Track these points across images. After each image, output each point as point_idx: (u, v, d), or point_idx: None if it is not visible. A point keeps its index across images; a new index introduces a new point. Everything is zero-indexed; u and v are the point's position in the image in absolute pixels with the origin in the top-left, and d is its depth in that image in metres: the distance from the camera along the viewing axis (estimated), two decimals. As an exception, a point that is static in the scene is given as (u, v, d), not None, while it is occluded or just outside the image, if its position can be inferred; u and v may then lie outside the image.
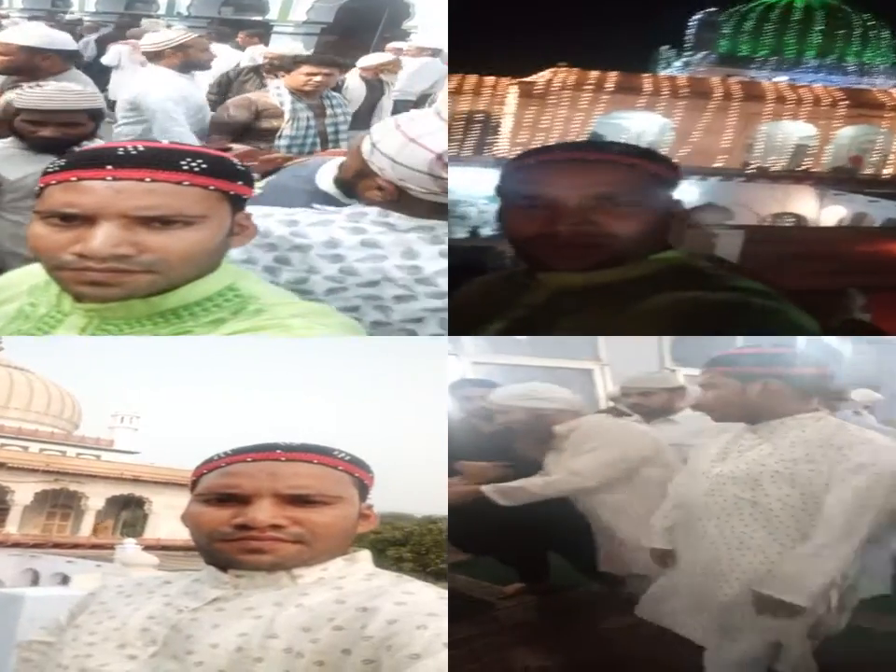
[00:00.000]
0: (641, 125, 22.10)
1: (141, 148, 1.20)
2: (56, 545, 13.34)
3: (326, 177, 2.00)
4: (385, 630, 0.90)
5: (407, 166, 1.63)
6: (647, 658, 2.31)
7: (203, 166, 1.20)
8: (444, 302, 1.65)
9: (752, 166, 22.15)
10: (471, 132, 20.99)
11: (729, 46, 29.85)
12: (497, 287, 1.55)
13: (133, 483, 14.53)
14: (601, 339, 4.56)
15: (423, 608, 0.93)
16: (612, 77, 22.32)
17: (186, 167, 1.19)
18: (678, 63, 28.52)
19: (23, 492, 13.91)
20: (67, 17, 12.01)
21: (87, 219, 1.16)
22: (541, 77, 22.03)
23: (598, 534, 2.81)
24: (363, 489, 1.12)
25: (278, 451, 1.07)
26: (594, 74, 22.13)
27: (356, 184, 1.78)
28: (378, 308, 1.63)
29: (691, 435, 2.97)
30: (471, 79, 21.77)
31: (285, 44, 8.94)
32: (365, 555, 1.09)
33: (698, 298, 1.28)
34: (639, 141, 19.48)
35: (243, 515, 1.01)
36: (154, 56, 4.45)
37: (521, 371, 4.33)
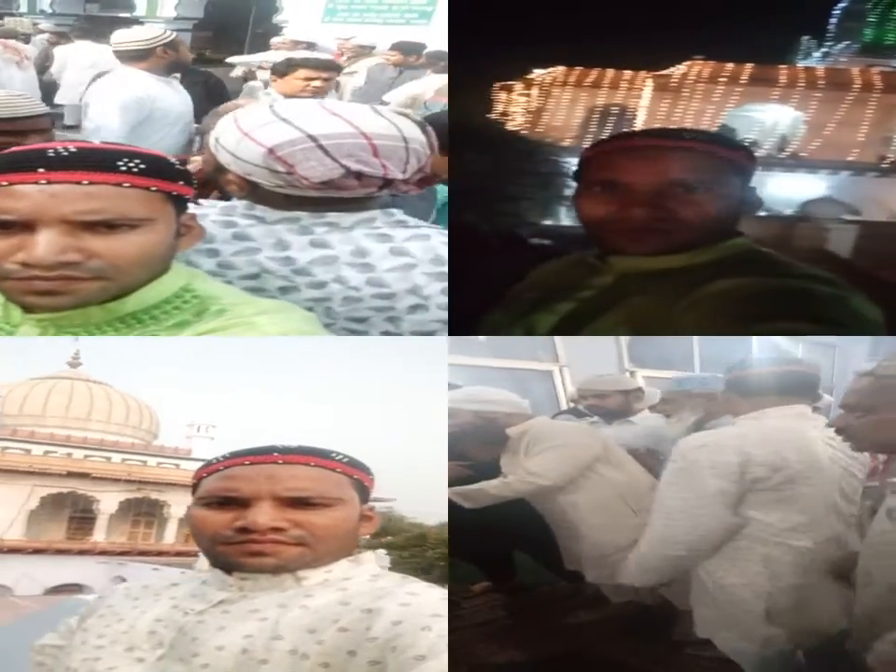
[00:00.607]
0: (773, 117, 21.40)
1: (73, 149, 1.15)
2: (142, 552, 13.43)
3: None
4: (390, 631, 0.90)
5: (245, 160, 1.60)
6: (613, 651, 2.38)
7: (142, 166, 1.17)
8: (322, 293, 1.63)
9: (888, 160, 20.84)
10: (606, 125, 20.60)
11: (874, 35, 27.79)
12: (568, 269, 1.57)
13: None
14: (559, 340, 4.61)
15: (427, 609, 0.93)
16: (747, 69, 21.62)
17: (124, 168, 1.15)
18: (817, 54, 27.16)
19: (108, 501, 13.91)
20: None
21: (25, 226, 1.12)
22: (677, 70, 21.51)
23: (559, 534, 2.85)
24: (363, 491, 1.12)
25: (275, 454, 1.08)
26: (729, 66, 21.51)
27: (218, 178, 1.72)
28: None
29: (648, 436, 3.07)
30: (609, 73, 21.48)
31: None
32: (370, 557, 1.09)
33: (761, 283, 1.30)
34: (772, 134, 19.58)
35: (243, 518, 1.02)
36: (134, 57, 4.00)
37: (481, 372, 4.36)
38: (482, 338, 3.80)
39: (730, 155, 1.41)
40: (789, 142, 20.41)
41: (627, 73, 21.65)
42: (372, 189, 1.64)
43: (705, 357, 4.70)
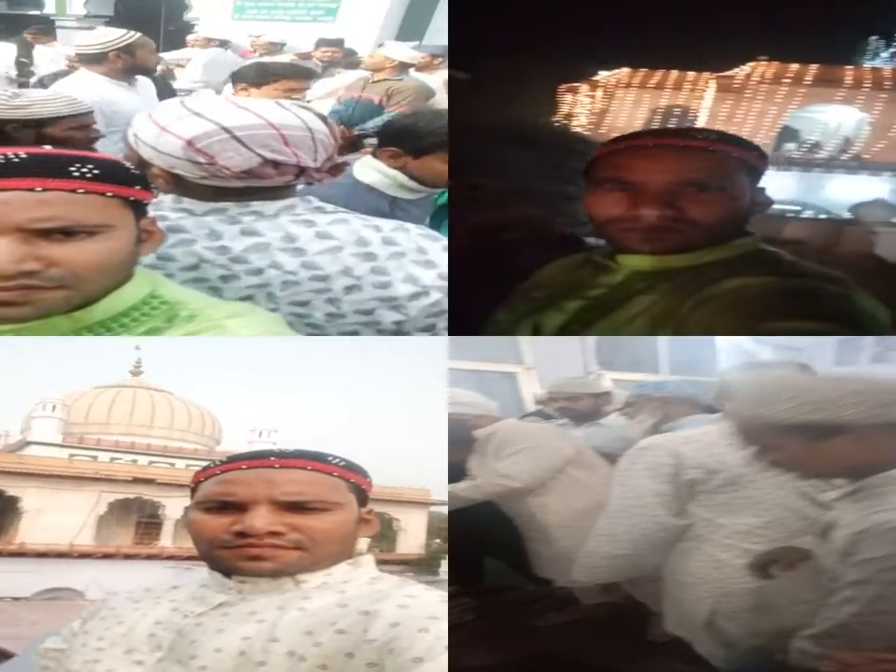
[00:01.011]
0: (837, 119, 21.13)
1: (24, 155, 1.12)
2: None
3: None
4: (388, 633, 0.91)
5: (166, 154, 1.63)
6: (585, 653, 2.40)
7: (95, 171, 1.14)
8: (262, 279, 1.66)
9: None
10: (668, 126, 20.57)
11: (943, 35, 27.75)
12: (577, 268, 1.58)
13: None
14: (525, 342, 4.63)
15: (424, 611, 0.93)
16: (812, 70, 21.29)
17: (77, 174, 1.13)
18: (885, 54, 26.89)
19: (174, 506, 13.82)
20: None
21: None
22: (741, 71, 21.29)
23: (529, 537, 2.86)
24: (361, 494, 1.12)
25: (272, 458, 1.08)
26: (793, 67, 21.21)
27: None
28: (210, 290, 1.61)
29: (617, 438, 3.10)
30: (672, 75, 21.36)
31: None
32: (368, 560, 1.10)
33: (768, 282, 1.30)
34: (835, 135, 19.42)
35: (241, 523, 1.03)
36: (91, 60, 3.90)
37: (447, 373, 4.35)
38: (445, 338, 3.80)
39: (742, 155, 1.42)
40: (852, 143, 20.36)
41: (691, 74, 21.61)
42: (289, 178, 1.69)
43: (672, 359, 4.76)
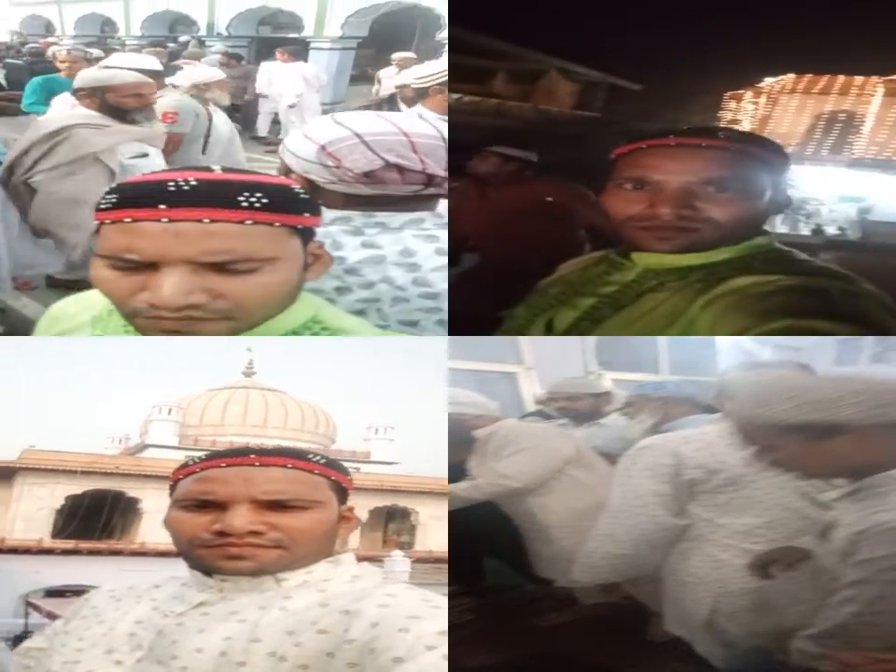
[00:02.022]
0: None
1: (193, 182, 1.10)
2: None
3: None
4: (368, 633, 0.90)
5: (302, 158, 1.69)
6: (585, 652, 2.40)
7: (264, 201, 1.10)
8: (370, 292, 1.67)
9: None
10: (832, 131, 20.36)
11: None
12: (593, 265, 1.59)
13: (393, 494, 14.07)
14: (525, 342, 4.64)
15: (405, 610, 0.92)
16: None
17: (245, 203, 1.09)
18: None
19: None
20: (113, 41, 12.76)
21: (150, 265, 1.09)
22: None
23: (529, 537, 2.86)
24: (341, 492, 1.12)
25: (252, 455, 1.07)
26: None
27: None
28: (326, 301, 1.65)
29: (617, 438, 3.10)
30: (839, 80, 20.99)
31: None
32: (349, 558, 1.09)
33: (778, 281, 1.30)
34: None
35: (220, 521, 1.02)
36: (422, 94, 3.92)
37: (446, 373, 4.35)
38: (445, 338, 3.80)
39: (763, 154, 1.42)
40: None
41: (858, 78, 21.20)
42: (417, 186, 1.70)
43: (672, 359, 4.76)
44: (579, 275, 1.61)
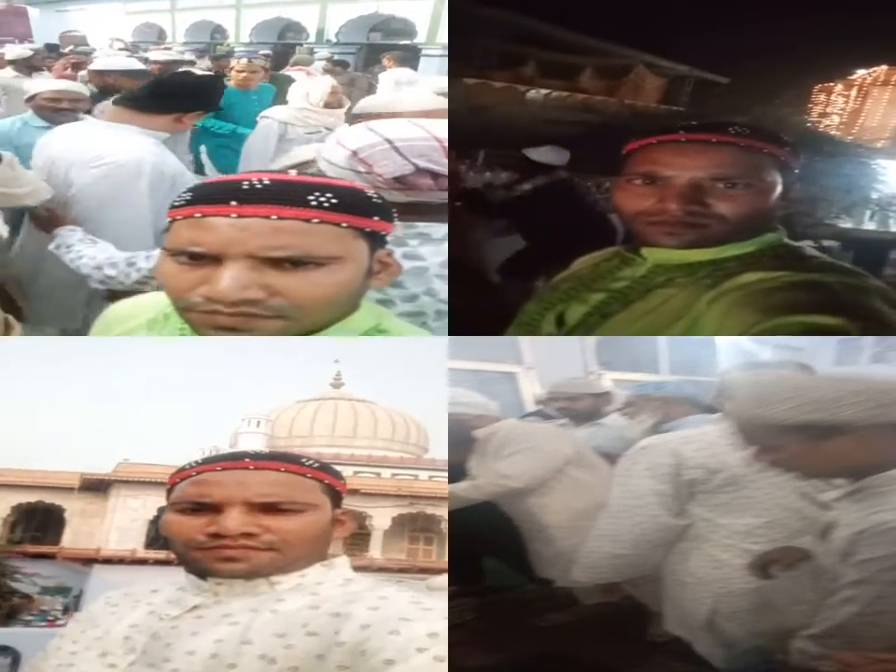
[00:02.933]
0: None
1: (266, 182, 1.11)
2: (422, 570, 12.71)
3: None
4: (359, 635, 0.91)
5: (335, 164, 1.68)
6: (585, 653, 2.40)
7: (333, 201, 1.11)
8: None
9: None
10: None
11: None
12: (604, 261, 1.59)
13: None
14: (525, 342, 4.64)
15: (396, 612, 0.93)
16: None
17: (314, 202, 1.10)
18: None
19: (381, 517, 13.66)
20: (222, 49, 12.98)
21: (213, 259, 1.10)
22: None
23: (529, 537, 2.85)
24: (335, 496, 1.13)
25: (247, 459, 1.09)
26: None
27: None
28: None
29: (617, 438, 3.10)
30: None
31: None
32: (343, 561, 1.10)
33: (785, 277, 1.31)
34: None
35: (215, 524, 1.03)
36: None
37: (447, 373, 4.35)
38: (445, 338, 3.80)
39: (773, 151, 1.42)
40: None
41: None
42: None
43: (672, 359, 4.76)
44: (590, 271, 1.62)
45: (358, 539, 13.44)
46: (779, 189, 1.42)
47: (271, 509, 1.05)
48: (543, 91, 9.23)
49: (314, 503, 1.08)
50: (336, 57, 10.47)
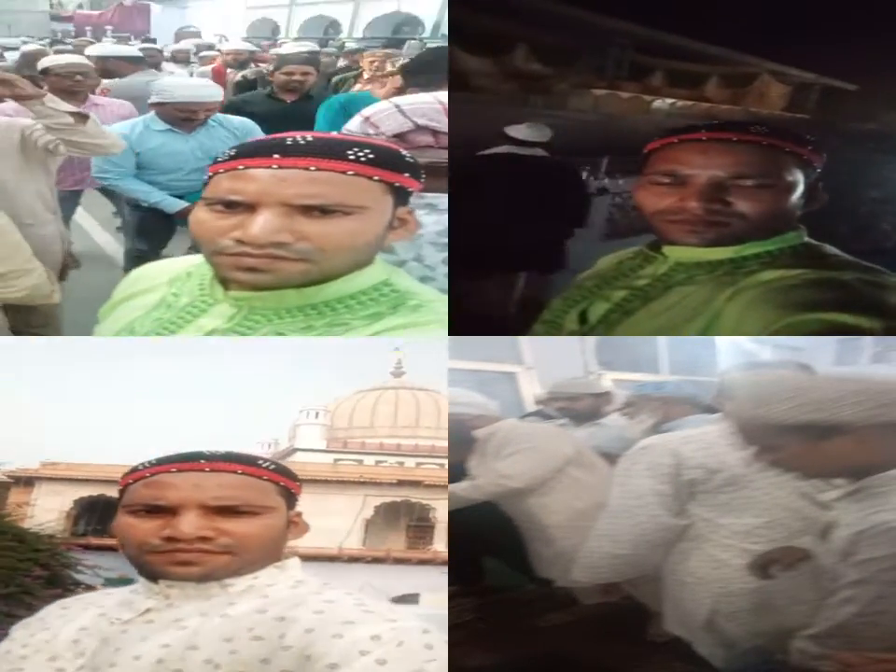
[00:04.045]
0: None
1: (310, 138, 1.18)
2: None
3: None
4: (304, 639, 0.90)
5: (350, 129, 1.75)
6: (585, 653, 2.40)
7: (371, 156, 1.18)
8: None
9: None
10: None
11: None
12: (627, 259, 1.60)
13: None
14: (525, 342, 4.64)
15: (339, 616, 0.92)
16: None
17: (352, 156, 1.17)
18: None
19: (444, 509, 13.30)
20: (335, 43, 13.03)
21: (249, 207, 1.15)
22: None
23: (529, 537, 2.86)
24: (290, 497, 1.12)
25: (202, 461, 1.07)
26: None
27: None
28: None
29: (617, 438, 3.10)
30: None
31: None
32: (294, 563, 1.09)
33: (804, 274, 1.31)
34: None
35: (170, 527, 1.01)
36: None
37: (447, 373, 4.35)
38: (446, 340, 3.81)
39: (795, 150, 1.42)
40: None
41: None
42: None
43: (672, 359, 4.76)
44: (614, 269, 1.62)
45: (421, 531, 13.25)
46: (801, 188, 1.42)
47: (227, 511, 1.03)
48: (669, 101, 9.32)
49: (270, 505, 1.07)
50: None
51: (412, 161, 1.26)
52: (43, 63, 4.42)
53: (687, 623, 2.19)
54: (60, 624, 1.04)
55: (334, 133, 1.25)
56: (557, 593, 2.79)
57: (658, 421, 3.09)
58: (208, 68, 7.63)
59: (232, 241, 1.16)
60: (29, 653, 1.01)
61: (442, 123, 1.70)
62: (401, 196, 1.24)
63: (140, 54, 5.87)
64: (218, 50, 9.50)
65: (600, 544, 2.33)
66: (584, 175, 6.22)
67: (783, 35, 8.18)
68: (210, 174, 1.21)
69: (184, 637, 0.95)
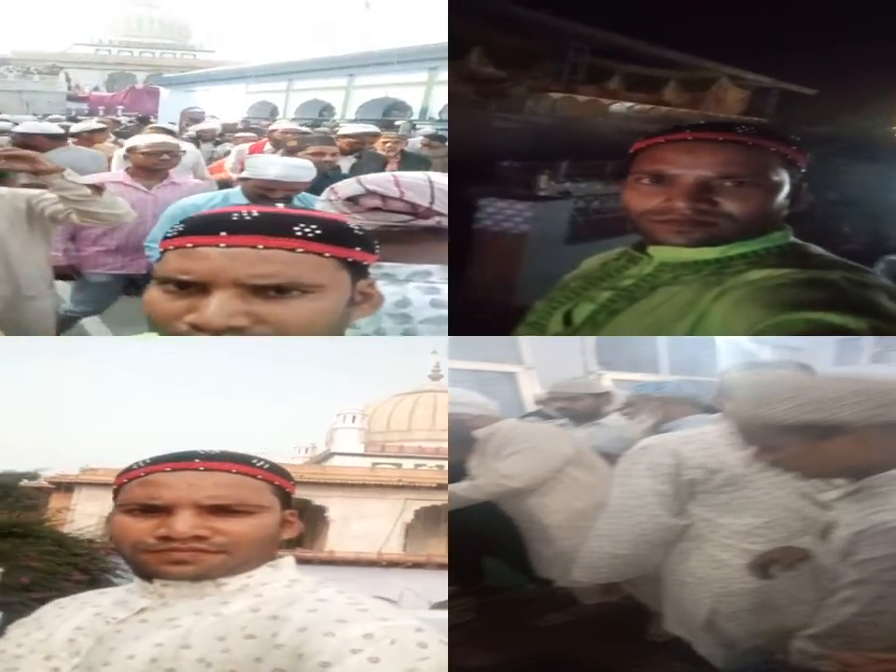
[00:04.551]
0: None
1: (255, 214, 1.14)
2: None
3: None
4: (296, 638, 0.90)
5: (320, 200, 1.81)
6: (586, 653, 2.40)
7: (318, 232, 1.13)
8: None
9: None
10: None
11: None
12: (612, 260, 1.60)
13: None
14: (525, 342, 4.64)
15: (332, 614, 0.92)
16: None
17: (299, 233, 1.12)
18: None
19: None
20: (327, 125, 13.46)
21: (201, 287, 1.11)
22: None
23: (529, 537, 2.86)
24: (285, 497, 1.12)
25: (197, 460, 1.07)
26: None
27: None
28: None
29: (617, 438, 3.10)
30: None
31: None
32: (289, 562, 1.09)
33: (791, 274, 1.31)
34: None
35: (165, 526, 1.01)
36: None
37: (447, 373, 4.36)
38: (446, 339, 3.81)
39: (781, 149, 1.42)
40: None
41: None
42: (405, 217, 1.71)
43: (672, 359, 4.76)
44: (598, 269, 1.62)
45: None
46: (787, 187, 1.42)
47: (221, 510, 1.04)
48: (627, 104, 9.34)
49: (264, 505, 1.07)
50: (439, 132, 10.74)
51: (361, 233, 1.22)
52: (132, 141, 4.62)
53: (687, 622, 2.19)
54: (56, 624, 1.04)
55: (280, 207, 1.22)
56: (557, 593, 2.79)
57: (658, 421, 3.10)
58: (245, 146, 7.56)
59: (187, 325, 1.10)
60: (24, 653, 1.01)
61: (390, 189, 1.72)
62: (358, 270, 1.20)
63: (60, 131, 6.21)
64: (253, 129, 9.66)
65: (600, 544, 2.33)
66: (545, 178, 6.25)
67: (741, 39, 8.21)
68: (161, 250, 1.17)
69: (177, 636, 0.95)
